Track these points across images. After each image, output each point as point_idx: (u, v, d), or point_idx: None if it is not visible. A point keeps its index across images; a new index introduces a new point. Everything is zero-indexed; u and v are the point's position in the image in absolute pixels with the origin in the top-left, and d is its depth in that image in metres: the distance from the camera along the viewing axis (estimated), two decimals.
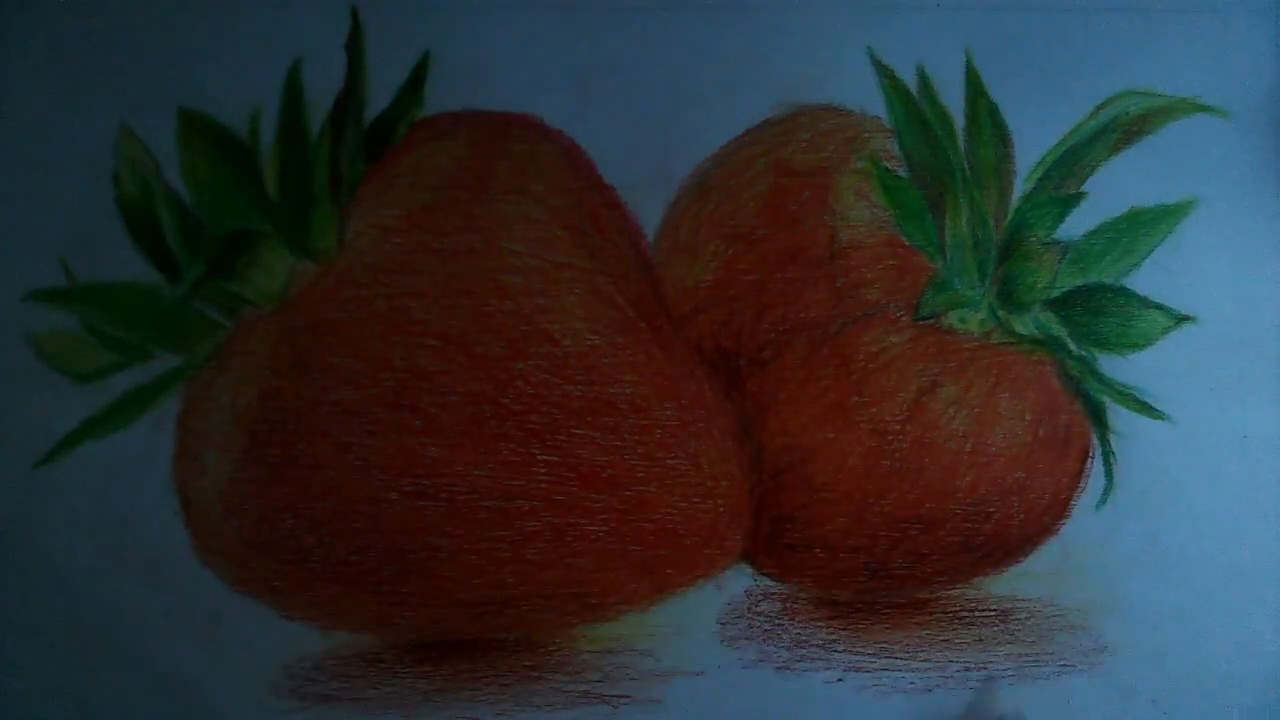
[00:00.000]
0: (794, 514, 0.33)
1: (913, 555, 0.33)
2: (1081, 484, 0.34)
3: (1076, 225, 0.34)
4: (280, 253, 0.31)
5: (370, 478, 0.30)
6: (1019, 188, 0.34)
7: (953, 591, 0.35)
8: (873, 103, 0.34)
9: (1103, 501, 0.34)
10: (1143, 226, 0.34)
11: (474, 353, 0.30)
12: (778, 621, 0.34)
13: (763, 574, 0.34)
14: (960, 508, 0.33)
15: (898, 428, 0.32)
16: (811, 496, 0.33)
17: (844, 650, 0.33)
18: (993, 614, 0.34)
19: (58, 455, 0.32)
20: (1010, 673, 0.33)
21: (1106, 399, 0.34)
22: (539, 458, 0.30)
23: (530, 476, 0.30)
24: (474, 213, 0.31)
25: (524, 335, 0.30)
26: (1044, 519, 0.34)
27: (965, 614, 0.34)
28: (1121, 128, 0.34)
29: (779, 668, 0.33)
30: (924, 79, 0.34)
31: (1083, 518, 0.34)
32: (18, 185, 0.33)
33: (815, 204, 0.33)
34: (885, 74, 0.34)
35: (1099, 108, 0.34)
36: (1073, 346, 0.34)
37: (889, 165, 0.33)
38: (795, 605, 0.34)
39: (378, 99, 0.33)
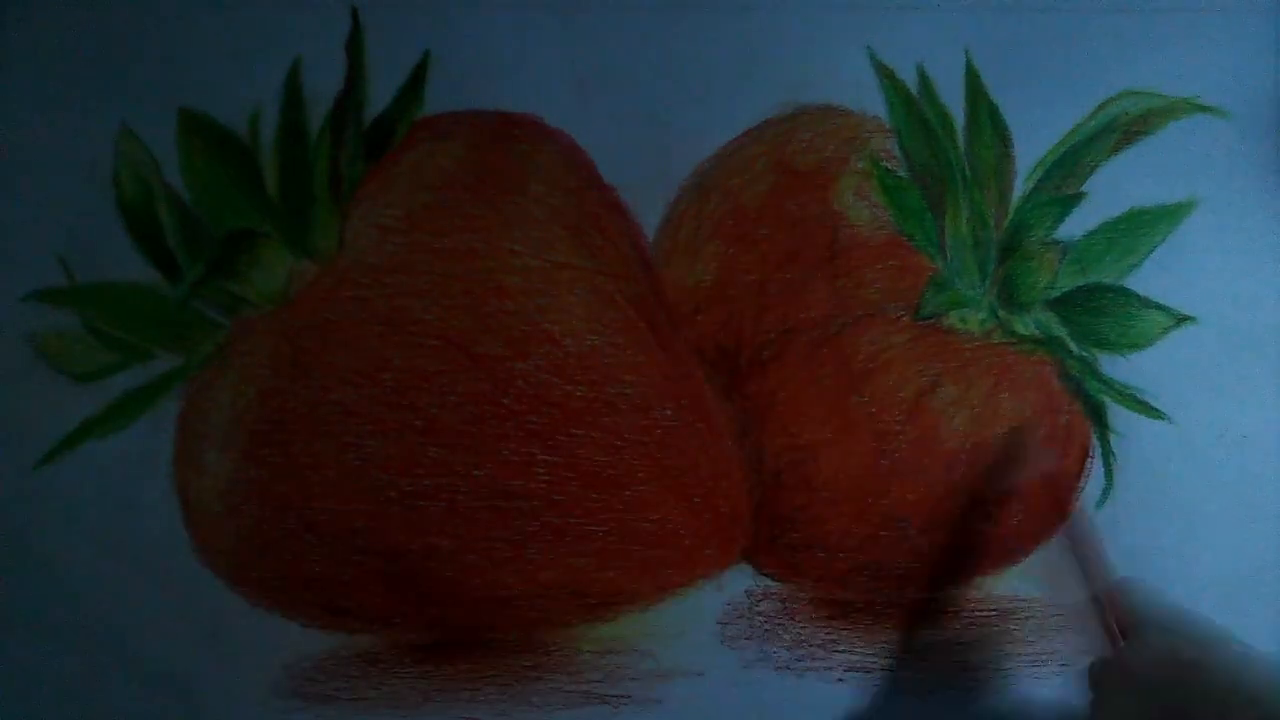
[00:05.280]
0: (794, 514, 0.33)
1: (913, 555, 0.33)
2: (1081, 484, 0.34)
3: (1076, 225, 0.34)
4: (280, 253, 0.31)
5: (370, 478, 0.30)
6: (1019, 188, 0.34)
7: (952, 591, 0.35)
8: (873, 103, 0.34)
9: (1102, 501, 0.34)
10: (1143, 226, 0.34)
11: (474, 353, 0.30)
12: (778, 621, 0.34)
13: (763, 574, 0.34)
14: (960, 508, 0.33)
15: (898, 428, 0.32)
16: (811, 496, 0.33)
17: (844, 650, 0.33)
18: (993, 614, 0.34)
19: (58, 455, 0.32)
20: (1010, 673, 0.33)
21: (1106, 399, 0.34)
22: (539, 458, 0.30)
23: (530, 476, 0.30)
24: (474, 213, 0.31)
25: (524, 335, 0.30)
26: (1044, 519, 0.34)
27: (965, 614, 0.34)
28: (1121, 128, 0.34)
29: (779, 668, 0.33)
30: (924, 79, 0.34)
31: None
32: (18, 185, 0.33)
33: (815, 204, 0.33)
34: (885, 74, 0.34)
35: (1099, 108, 0.34)
36: (1073, 346, 0.34)
37: (889, 165, 0.33)
38: (795, 605, 0.34)
39: (378, 99, 0.33)
